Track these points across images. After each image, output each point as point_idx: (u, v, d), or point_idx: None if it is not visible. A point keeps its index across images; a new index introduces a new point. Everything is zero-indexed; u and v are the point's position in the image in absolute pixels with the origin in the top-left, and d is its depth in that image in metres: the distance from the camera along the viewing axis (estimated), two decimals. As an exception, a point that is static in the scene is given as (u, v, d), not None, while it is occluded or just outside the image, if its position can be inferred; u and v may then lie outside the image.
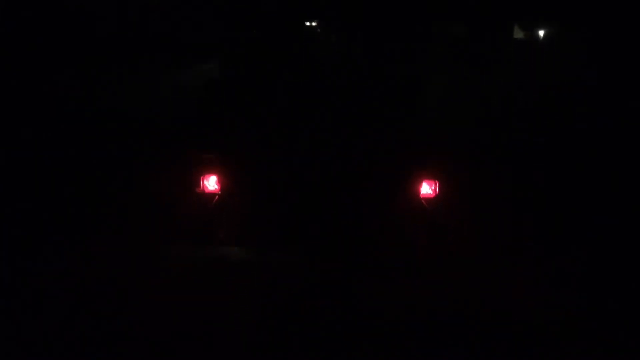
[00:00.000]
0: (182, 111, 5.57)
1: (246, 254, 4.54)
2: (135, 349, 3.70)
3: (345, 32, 6.16)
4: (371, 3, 6.07)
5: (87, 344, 3.74)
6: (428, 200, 4.97)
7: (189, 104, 5.66)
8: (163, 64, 6.06)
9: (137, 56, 6.04)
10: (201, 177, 5.02)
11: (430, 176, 4.98)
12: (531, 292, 4.35)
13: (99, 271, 4.52)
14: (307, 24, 6.25)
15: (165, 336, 3.80)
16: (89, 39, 5.87)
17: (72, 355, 3.69)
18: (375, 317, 4.10)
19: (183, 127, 5.44)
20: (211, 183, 5.03)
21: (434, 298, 4.30)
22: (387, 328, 3.95)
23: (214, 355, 3.64)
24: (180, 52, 6.12)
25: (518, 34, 6.36)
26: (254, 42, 6.03)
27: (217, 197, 5.03)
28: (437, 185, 4.97)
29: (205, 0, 6.14)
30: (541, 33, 6.22)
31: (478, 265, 4.67)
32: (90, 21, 5.89)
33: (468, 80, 6.01)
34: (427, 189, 4.98)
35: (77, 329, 3.88)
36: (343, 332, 3.91)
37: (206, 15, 6.07)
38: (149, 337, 3.79)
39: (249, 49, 6.02)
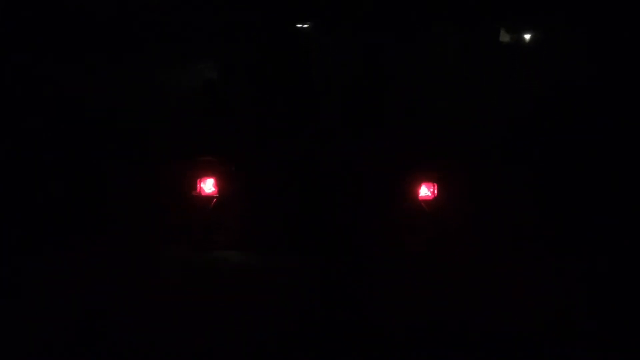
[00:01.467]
0: (178, 113, 5.51)
1: (245, 258, 4.50)
2: (135, 350, 3.71)
3: (342, 35, 6.13)
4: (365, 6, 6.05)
5: (87, 344, 3.75)
6: (427, 202, 4.96)
7: (185, 105, 5.60)
8: (158, 62, 5.97)
9: (131, 52, 5.97)
10: (198, 180, 4.95)
11: (430, 179, 4.97)
12: (531, 292, 4.35)
13: (98, 271, 4.53)
14: (302, 25, 6.21)
15: (165, 337, 3.81)
16: (83, 35, 5.82)
17: (72, 355, 3.70)
18: (374, 317, 4.11)
19: (180, 129, 5.37)
20: (208, 186, 4.97)
21: (434, 298, 4.31)
22: (387, 328, 3.95)
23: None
24: (175, 49, 6.02)
25: (504, 37, 6.28)
26: (252, 44, 5.99)
27: (214, 199, 4.98)
28: (436, 187, 4.96)
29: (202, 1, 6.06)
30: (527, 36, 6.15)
31: (478, 265, 4.67)
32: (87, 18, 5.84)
33: (466, 81, 5.99)
34: (425, 191, 4.97)
35: (77, 329, 3.88)
36: (344, 332, 3.92)
37: (203, 14, 6.00)
38: (149, 338, 3.81)
39: (246, 51, 5.98)
